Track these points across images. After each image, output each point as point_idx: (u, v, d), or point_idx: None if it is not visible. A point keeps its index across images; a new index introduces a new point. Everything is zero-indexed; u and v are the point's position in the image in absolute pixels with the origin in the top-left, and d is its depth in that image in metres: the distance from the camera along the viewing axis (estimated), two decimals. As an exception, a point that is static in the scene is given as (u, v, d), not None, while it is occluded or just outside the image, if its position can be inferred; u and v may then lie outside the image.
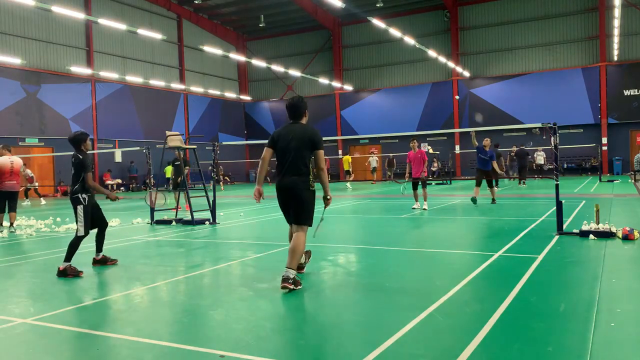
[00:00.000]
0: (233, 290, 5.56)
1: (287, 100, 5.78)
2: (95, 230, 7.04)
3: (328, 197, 5.58)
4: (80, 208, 6.69)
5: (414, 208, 13.36)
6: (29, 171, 21.88)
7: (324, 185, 5.56)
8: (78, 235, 6.66)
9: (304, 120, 5.66)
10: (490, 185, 14.44)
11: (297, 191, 5.39)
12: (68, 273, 6.38)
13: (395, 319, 4.21)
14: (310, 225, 5.52)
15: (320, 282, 5.87)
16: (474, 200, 13.94)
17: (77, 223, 6.69)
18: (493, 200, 14.36)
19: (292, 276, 5.20)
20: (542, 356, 3.39)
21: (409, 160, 13.56)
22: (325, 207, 5.66)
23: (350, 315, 4.49)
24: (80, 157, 6.76)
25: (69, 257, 6.50)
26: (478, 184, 14.24)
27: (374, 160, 32.08)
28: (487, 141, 14.53)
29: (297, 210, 5.43)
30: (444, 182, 27.23)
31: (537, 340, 3.66)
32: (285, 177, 5.46)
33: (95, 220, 6.96)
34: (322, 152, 5.54)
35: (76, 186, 6.71)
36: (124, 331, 4.16)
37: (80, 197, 6.70)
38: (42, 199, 22.72)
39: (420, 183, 13.47)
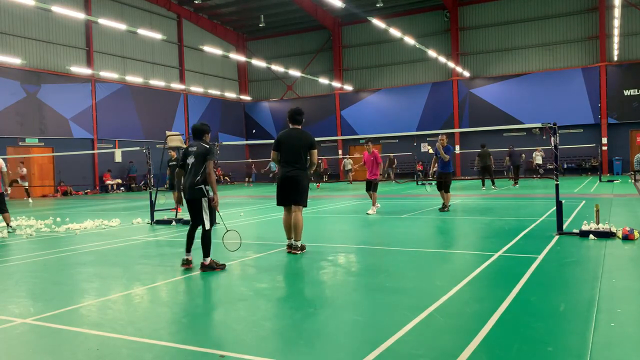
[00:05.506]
0: (233, 290, 5.56)
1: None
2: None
3: None
4: (205, 200, 6.48)
5: (368, 213, 12.61)
6: (23, 169, 21.90)
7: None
8: (206, 229, 6.50)
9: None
10: (447, 190, 12.79)
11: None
12: (214, 267, 6.44)
13: (395, 319, 4.21)
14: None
15: (320, 282, 5.87)
16: (443, 207, 12.82)
17: (203, 217, 6.47)
18: (444, 206, 12.74)
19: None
20: (542, 356, 3.39)
21: (364, 162, 12.98)
22: None
23: (350, 315, 4.49)
24: (207, 146, 6.58)
25: (207, 252, 6.47)
26: (439, 189, 13.10)
27: (348, 163, 33.01)
28: (443, 139, 12.98)
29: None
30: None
31: (537, 340, 3.66)
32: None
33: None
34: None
35: (198, 177, 6.47)
36: (124, 331, 4.15)
37: (204, 188, 6.48)
38: (29, 199, 22.55)
39: (372, 185, 12.85)
